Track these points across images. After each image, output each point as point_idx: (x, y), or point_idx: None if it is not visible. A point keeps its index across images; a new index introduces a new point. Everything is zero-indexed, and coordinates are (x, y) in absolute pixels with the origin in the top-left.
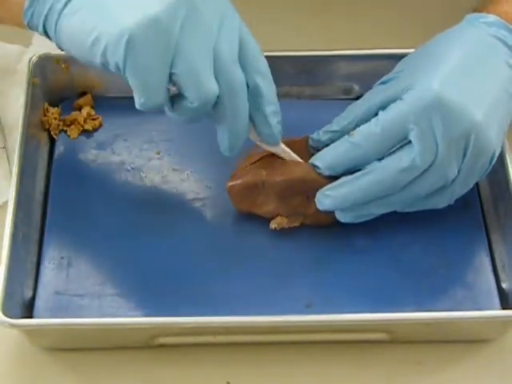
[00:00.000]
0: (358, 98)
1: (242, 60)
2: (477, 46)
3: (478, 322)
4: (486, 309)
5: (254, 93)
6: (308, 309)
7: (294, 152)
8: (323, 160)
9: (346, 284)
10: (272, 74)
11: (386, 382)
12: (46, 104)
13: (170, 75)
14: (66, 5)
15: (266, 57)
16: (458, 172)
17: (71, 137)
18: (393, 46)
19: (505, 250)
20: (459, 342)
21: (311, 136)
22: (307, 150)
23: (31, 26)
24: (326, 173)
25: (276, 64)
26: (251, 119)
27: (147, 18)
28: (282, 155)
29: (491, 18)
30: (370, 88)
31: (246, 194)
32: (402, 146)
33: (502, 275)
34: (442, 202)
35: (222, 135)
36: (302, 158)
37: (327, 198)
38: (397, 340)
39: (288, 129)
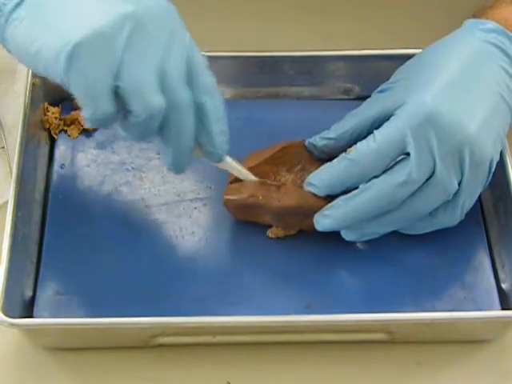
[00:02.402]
0: (357, 99)
1: (190, 78)
2: (473, 56)
3: (478, 323)
4: (486, 309)
5: (200, 111)
6: (308, 309)
7: (293, 154)
8: (320, 178)
9: (345, 284)
10: (272, 74)
11: (385, 382)
12: (46, 103)
13: (116, 89)
14: (13, 10)
15: (266, 57)
16: (460, 185)
17: (71, 136)
18: (393, 46)
19: (505, 250)
20: (459, 343)
21: (308, 140)
22: (304, 153)
23: None
24: (324, 192)
25: (276, 64)
26: (197, 137)
27: (91, 30)
28: (232, 172)
29: (490, 24)
30: (370, 88)
31: (243, 209)
32: (398, 162)
33: (501, 275)
34: (451, 219)
35: (167, 153)
36: (299, 161)
37: (326, 218)
38: (396, 340)
39: (288, 129)
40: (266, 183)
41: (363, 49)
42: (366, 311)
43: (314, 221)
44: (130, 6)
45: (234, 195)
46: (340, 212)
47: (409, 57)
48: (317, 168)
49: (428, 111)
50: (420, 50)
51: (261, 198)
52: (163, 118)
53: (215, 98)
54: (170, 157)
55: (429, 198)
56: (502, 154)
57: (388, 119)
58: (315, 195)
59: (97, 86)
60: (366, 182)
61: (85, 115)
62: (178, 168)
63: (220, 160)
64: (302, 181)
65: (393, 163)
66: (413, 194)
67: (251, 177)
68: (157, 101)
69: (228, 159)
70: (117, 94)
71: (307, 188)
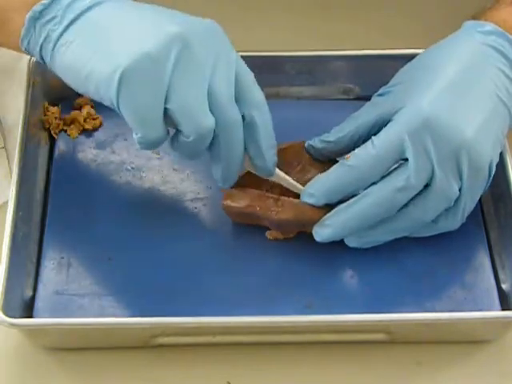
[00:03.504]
0: (357, 99)
1: (238, 94)
2: (471, 59)
3: (478, 323)
4: (486, 309)
5: (249, 126)
6: (308, 309)
7: (293, 155)
8: (318, 187)
9: (345, 284)
10: (272, 74)
11: (385, 382)
12: (46, 103)
13: (166, 111)
14: (61, 35)
15: (267, 57)
16: (461, 190)
17: (71, 136)
18: (393, 46)
19: (505, 250)
20: (459, 343)
21: (308, 141)
22: (304, 153)
23: (29, 53)
24: (321, 201)
25: (276, 64)
26: (246, 151)
27: (139, 54)
28: (281, 183)
29: (488, 26)
30: (370, 88)
31: (241, 216)
32: (396, 167)
33: (501, 276)
34: (453, 224)
35: (217, 168)
36: (299, 162)
37: (325, 228)
38: (397, 340)
39: (288, 129)
40: (263, 195)
41: (363, 49)
42: (365, 311)
43: (313, 232)
44: (175, 27)
45: (232, 202)
46: (340, 220)
47: (409, 57)
48: (316, 169)
49: (425, 116)
50: (420, 50)
51: (258, 208)
52: (213, 137)
53: (264, 113)
54: (220, 172)
55: (431, 206)
56: (501, 155)
57: (387, 124)
58: (313, 208)
59: (147, 110)
60: (365, 188)
61: (136, 138)
62: (227, 182)
63: (270, 174)
64: (303, 181)
65: (392, 168)
66: (415, 203)
67: (299, 186)
68: (207, 122)
69: (278, 172)
70: (167, 116)
71: (304, 199)
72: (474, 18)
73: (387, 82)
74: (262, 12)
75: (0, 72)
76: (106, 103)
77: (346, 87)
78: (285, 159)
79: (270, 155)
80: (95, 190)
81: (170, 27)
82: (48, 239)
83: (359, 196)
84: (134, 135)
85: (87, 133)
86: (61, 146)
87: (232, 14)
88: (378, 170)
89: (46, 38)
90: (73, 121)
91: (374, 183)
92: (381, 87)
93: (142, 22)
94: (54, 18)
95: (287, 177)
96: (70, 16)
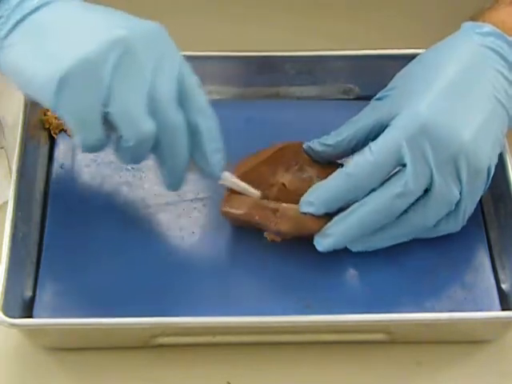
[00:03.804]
0: (357, 99)
1: (182, 99)
2: (469, 61)
3: (478, 323)
4: (486, 310)
5: (193, 131)
6: (308, 309)
7: (291, 154)
8: (317, 195)
9: (345, 284)
10: (272, 74)
11: (385, 382)
12: None
13: (106, 115)
14: (6, 36)
15: (267, 57)
16: (461, 194)
17: (71, 136)
18: (393, 46)
19: (505, 250)
20: (459, 343)
21: (307, 143)
22: (302, 153)
23: None
24: (321, 210)
25: (276, 64)
26: (192, 156)
27: (78, 58)
28: (232, 186)
29: (487, 28)
30: (370, 88)
31: (240, 221)
32: (395, 173)
33: (501, 276)
34: (454, 227)
35: (162, 172)
36: (297, 161)
37: (327, 238)
38: (396, 340)
39: (288, 129)
40: (262, 204)
41: (363, 49)
42: (365, 311)
43: (315, 242)
44: (118, 31)
45: (231, 208)
46: (340, 229)
47: (409, 57)
48: (314, 169)
49: (422, 122)
50: (420, 50)
51: (257, 217)
52: (156, 141)
53: (208, 117)
54: (165, 176)
55: (432, 211)
56: (501, 155)
57: (385, 128)
58: (312, 219)
59: (86, 114)
60: (364, 195)
61: (76, 142)
62: (173, 186)
63: (218, 178)
64: (300, 180)
65: (390, 174)
66: (415, 209)
67: (251, 190)
68: (146, 127)
69: (226, 175)
70: (107, 120)
71: (303, 209)
72: (473, 18)
73: (387, 82)
74: (262, 12)
75: (0, 72)
76: (48, 107)
77: (346, 87)
78: (283, 159)
79: (216, 160)
80: (95, 190)
81: (112, 31)
82: (48, 239)
83: (358, 204)
84: (75, 139)
85: None
86: (61, 145)
87: (232, 13)
88: (377, 177)
89: None
90: None
91: (373, 189)
92: (381, 87)
93: (86, 25)
94: (0, 18)
95: (238, 181)
96: (17, 17)
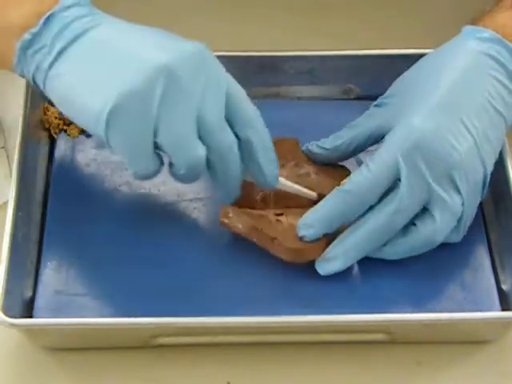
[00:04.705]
0: (357, 99)
1: (230, 115)
2: (467, 70)
3: (478, 323)
4: (486, 310)
5: (245, 145)
6: (307, 309)
7: (286, 150)
8: (317, 216)
9: (345, 284)
10: (272, 74)
11: (385, 382)
12: (46, 103)
13: (156, 144)
14: (51, 66)
15: (267, 57)
16: (463, 204)
17: (71, 136)
18: (393, 46)
19: (505, 250)
20: (459, 343)
21: (306, 144)
22: (297, 150)
23: (25, 78)
24: (320, 232)
25: (276, 64)
26: (247, 167)
27: (125, 92)
28: (289, 191)
29: (486, 33)
30: (370, 88)
31: (238, 235)
32: (392, 189)
33: (501, 276)
34: (456, 236)
35: (217, 187)
36: (293, 157)
37: (329, 262)
38: (397, 340)
39: (288, 129)
40: (258, 230)
41: (363, 49)
42: (365, 312)
43: (316, 267)
44: (162, 58)
45: (229, 222)
46: (341, 252)
47: (409, 57)
48: (310, 166)
49: (417, 137)
50: (420, 51)
51: (255, 240)
52: (208, 161)
53: (259, 129)
54: (220, 191)
55: (438, 226)
56: (501, 154)
57: (382, 137)
58: (309, 248)
59: (137, 146)
60: (364, 211)
61: (130, 171)
62: (228, 199)
63: (272, 188)
64: (297, 176)
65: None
66: (425, 223)
67: (307, 192)
68: (197, 152)
69: (282, 181)
70: (159, 148)
71: (302, 232)
72: (473, 21)
73: (387, 82)
74: (262, 12)
75: (0, 72)
76: (99, 138)
77: (346, 87)
78: (279, 152)
79: (271, 170)
80: (95, 189)
81: (156, 59)
82: (48, 239)
83: (355, 225)
84: (127, 169)
85: (87, 132)
86: (61, 145)
87: (232, 13)
88: (376, 192)
89: (37, 68)
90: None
91: (371, 206)
92: (381, 87)
93: (128, 53)
94: (43, 47)
95: (293, 184)
96: (59, 45)
